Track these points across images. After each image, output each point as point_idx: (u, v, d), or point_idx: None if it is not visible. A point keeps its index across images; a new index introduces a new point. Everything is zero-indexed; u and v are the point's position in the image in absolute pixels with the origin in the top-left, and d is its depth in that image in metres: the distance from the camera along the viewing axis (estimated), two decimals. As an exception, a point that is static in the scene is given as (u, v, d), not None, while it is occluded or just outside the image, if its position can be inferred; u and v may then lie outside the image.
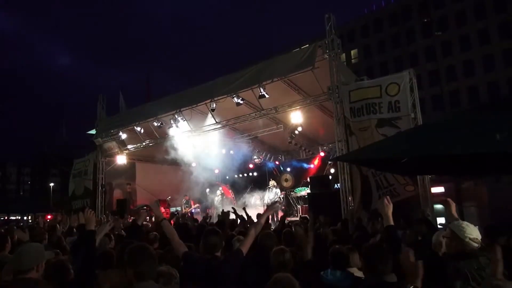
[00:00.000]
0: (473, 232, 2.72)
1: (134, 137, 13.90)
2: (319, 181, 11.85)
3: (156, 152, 14.48)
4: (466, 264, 2.55)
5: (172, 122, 12.13)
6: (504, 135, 3.51)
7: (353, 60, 46.30)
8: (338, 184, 9.90)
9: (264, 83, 9.95)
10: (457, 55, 38.27)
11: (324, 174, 14.17)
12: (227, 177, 17.46)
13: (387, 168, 6.71)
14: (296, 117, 11.21)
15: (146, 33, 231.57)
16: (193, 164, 15.13)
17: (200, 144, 13.59)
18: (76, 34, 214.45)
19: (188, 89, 12.55)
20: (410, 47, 41.32)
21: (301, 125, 11.75)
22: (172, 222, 8.88)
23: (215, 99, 10.92)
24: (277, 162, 17.49)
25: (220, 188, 16.70)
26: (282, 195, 15.55)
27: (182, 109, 11.85)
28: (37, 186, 60.89)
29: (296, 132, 12.29)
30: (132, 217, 11.81)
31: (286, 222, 7.74)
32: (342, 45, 10.74)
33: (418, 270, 2.38)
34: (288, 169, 16.73)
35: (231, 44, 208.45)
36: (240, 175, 17.31)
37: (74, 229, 5.73)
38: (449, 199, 3.46)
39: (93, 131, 16.22)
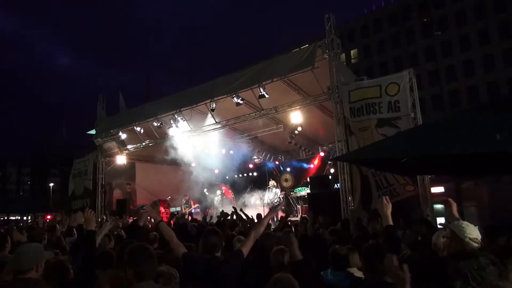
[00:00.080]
0: (473, 232, 2.72)
1: (134, 137, 13.90)
2: (319, 181, 11.86)
3: (156, 152, 14.48)
4: (466, 264, 2.54)
5: (172, 122, 12.13)
6: (504, 135, 3.51)
7: (353, 60, 46.30)
8: (338, 184, 9.90)
9: (264, 83, 9.95)
10: (457, 55, 38.28)
11: (324, 174, 14.17)
12: (227, 177, 17.46)
13: (387, 168, 6.70)
14: (296, 117, 11.21)
15: (146, 33, 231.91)
16: (193, 164, 15.14)
17: (200, 144, 13.59)
18: (76, 34, 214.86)
19: (188, 89, 12.55)
20: (410, 47, 41.32)
21: (301, 125, 11.74)
22: (172, 222, 8.90)
23: (215, 99, 10.92)
24: (277, 162, 17.49)
25: (222, 188, 16.71)
26: (282, 195, 15.56)
27: (182, 109, 11.84)
28: (37, 186, 60.86)
29: (296, 132, 12.29)
30: (131, 218, 11.82)
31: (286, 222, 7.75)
32: (342, 45, 10.74)
33: (404, 274, 2.36)
34: (288, 169, 16.73)
35: (231, 44, 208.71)
36: (240, 175, 17.30)
37: (74, 229, 5.72)
38: (449, 199, 3.45)
39: (93, 131, 16.22)
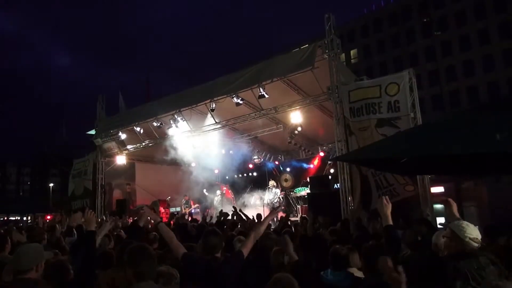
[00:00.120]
0: (473, 232, 2.72)
1: (134, 137, 13.89)
2: (319, 181, 11.86)
3: (156, 152, 14.48)
4: (466, 264, 2.54)
5: (171, 122, 12.12)
6: (504, 135, 3.51)
7: (352, 60, 46.30)
8: (338, 184, 9.90)
9: (263, 83, 9.95)
10: (457, 55, 38.28)
11: (323, 174, 14.17)
12: (227, 177, 17.46)
13: (386, 168, 6.70)
14: (296, 117, 11.21)
15: (146, 33, 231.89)
16: (193, 164, 15.14)
17: (200, 144, 13.58)
18: (76, 34, 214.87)
19: (188, 89, 12.55)
20: (410, 47, 41.32)
21: (300, 125, 11.74)
22: (172, 222, 8.90)
23: (215, 99, 10.91)
24: (276, 162, 17.49)
25: (222, 189, 16.71)
26: (282, 195, 15.56)
27: (181, 109, 11.84)
28: (36, 186, 60.82)
29: (296, 132, 12.29)
30: (131, 218, 11.82)
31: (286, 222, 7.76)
32: (342, 45, 10.74)
33: (399, 275, 2.36)
34: (288, 169, 16.73)
35: (231, 44, 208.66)
36: (240, 175, 17.30)
37: (74, 230, 5.71)
38: (449, 199, 3.45)
39: (92, 131, 16.22)
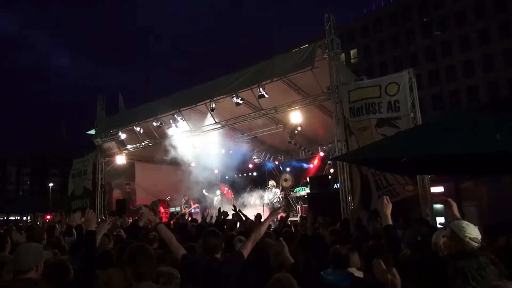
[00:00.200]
0: (473, 232, 2.72)
1: (134, 137, 13.89)
2: (319, 181, 11.86)
3: (156, 152, 14.48)
4: (466, 263, 2.54)
5: (171, 122, 12.12)
6: (504, 135, 3.51)
7: (352, 60, 46.31)
8: (338, 184, 9.89)
9: (263, 83, 9.94)
10: (457, 55, 38.29)
11: (323, 174, 14.16)
12: (227, 177, 17.44)
13: (386, 168, 6.70)
14: (296, 117, 11.20)
15: (146, 33, 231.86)
16: (193, 164, 15.13)
17: (200, 144, 13.57)
18: (76, 34, 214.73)
19: (188, 89, 12.55)
20: (410, 47, 41.33)
21: (300, 125, 11.73)
22: (172, 222, 8.89)
23: (215, 99, 10.91)
24: (276, 162, 17.48)
25: (222, 188, 16.70)
26: (282, 195, 15.55)
27: (181, 109, 11.84)
28: (36, 186, 60.77)
29: (296, 132, 12.28)
30: (131, 218, 11.82)
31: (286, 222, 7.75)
32: (342, 45, 10.74)
33: (394, 278, 2.35)
34: (288, 169, 16.71)
35: (231, 44, 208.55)
36: (240, 175, 17.28)
37: (73, 229, 5.71)
38: (449, 199, 3.45)
39: (92, 131, 16.20)
